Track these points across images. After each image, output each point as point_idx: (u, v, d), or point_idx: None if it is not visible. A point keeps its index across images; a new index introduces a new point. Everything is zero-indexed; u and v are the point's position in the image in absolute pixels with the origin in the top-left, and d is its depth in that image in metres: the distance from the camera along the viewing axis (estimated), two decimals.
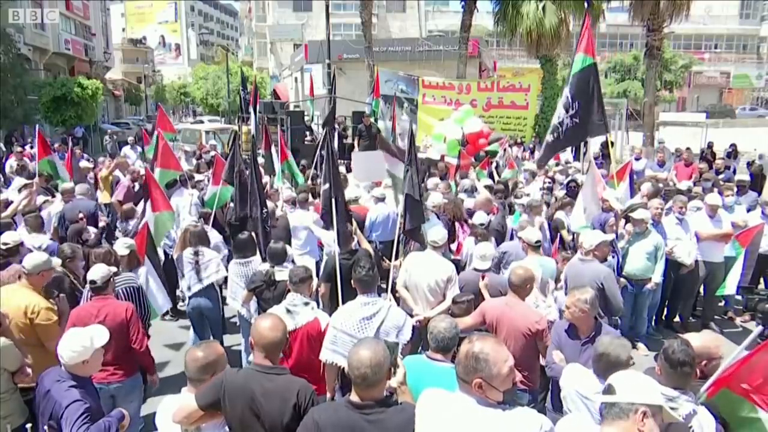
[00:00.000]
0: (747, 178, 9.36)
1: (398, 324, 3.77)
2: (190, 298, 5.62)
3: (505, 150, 12.24)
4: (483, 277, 4.86)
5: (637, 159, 12.11)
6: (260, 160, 10.01)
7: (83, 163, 11.19)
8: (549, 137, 7.30)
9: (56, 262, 4.59)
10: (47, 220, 7.11)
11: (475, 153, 11.87)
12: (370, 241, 6.50)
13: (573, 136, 7.11)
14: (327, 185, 5.31)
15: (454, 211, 6.91)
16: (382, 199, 7.29)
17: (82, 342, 3.00)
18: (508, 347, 3.78)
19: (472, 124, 12.79)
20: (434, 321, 3.22)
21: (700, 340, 3.04)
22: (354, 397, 2.40)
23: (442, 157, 11.48)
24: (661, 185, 8.25)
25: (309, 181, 9.82)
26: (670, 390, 2.66)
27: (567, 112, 6.89)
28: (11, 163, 11.95)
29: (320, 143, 12.11)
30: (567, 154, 14.02)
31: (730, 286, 6.16)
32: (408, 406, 2.49)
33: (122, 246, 5.30)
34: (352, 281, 3.95)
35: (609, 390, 2.17)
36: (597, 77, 6.87)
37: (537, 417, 2.27)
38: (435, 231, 5.14)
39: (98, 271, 4.12)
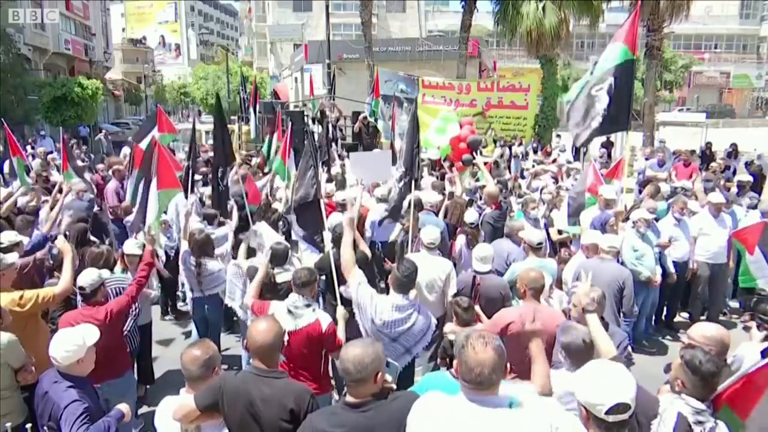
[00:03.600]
0: (749, 178, 9.33)
1: (423, 329, 3.81)
2: (192, 299, 5.59)
3: (505, 150, 12.24)
4: (475, 279, 4.74)
5: (647, 159, 12.14)
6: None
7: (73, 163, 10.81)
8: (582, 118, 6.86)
9: (12, 257, 4.27)
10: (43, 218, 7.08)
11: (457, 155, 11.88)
12: (371, 243, 6.48)
13: (602, 126, 6.85)
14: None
15: (454, 213, 6.88)
16: (384, 200, 7.21)
17: (74, 341, 2.99)
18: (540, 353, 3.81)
19: (452, 130, 12.79)
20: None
21: (715, 329, 3.06)
22: (349, 398, 2.41)
23: (439, 160, 11.53)
24: (659, 185, 8.25)
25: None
26: (698, 402, 2.55)
27: (602, 102, 6.72)
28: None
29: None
30: (567, 154, 14.05)
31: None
32: (402, 393, 2.49)
33: (134, 246, 5.21)
34: (388, 278, 3.91)
35: None
36: (633, 73, 6.73)
37: (546, 416, 2.24)
38: (427, 232, 5.01)
39: (87, 278, 3.91)
